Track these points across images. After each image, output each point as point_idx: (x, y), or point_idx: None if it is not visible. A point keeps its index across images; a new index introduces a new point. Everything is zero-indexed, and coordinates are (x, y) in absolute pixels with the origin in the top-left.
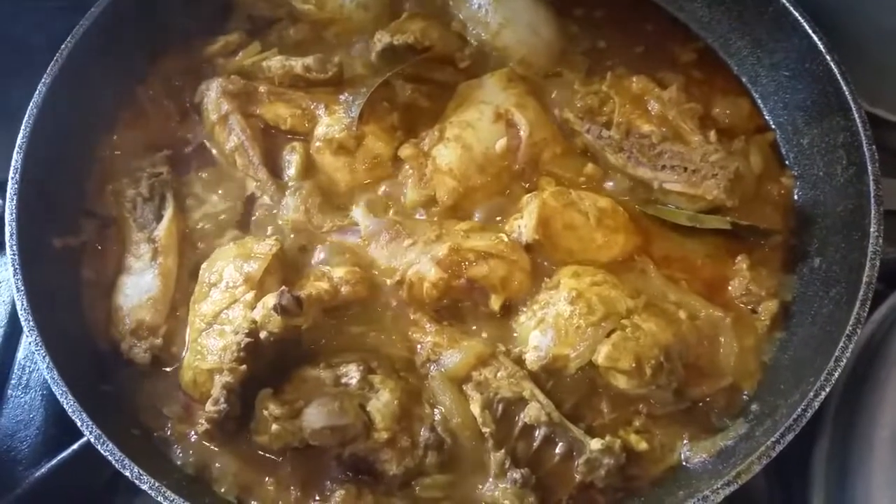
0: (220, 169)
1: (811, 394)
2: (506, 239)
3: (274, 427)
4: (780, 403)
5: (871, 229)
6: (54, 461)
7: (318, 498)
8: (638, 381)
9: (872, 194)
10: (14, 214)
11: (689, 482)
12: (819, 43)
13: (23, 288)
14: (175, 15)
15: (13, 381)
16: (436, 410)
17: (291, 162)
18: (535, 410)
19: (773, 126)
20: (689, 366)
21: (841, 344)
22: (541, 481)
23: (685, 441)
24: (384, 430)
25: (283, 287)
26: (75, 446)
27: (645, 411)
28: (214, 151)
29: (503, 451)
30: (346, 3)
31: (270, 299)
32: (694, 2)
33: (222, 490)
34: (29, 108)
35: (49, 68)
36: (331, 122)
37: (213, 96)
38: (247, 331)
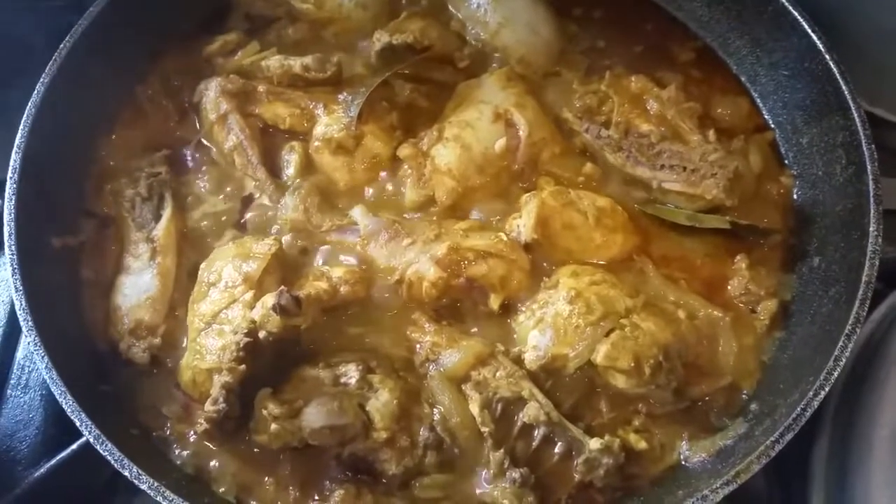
0: (219, 168)
1: (810, 393)
2: (505, 238)
3: (273, 427)
4: (779, 403)
5: (871, 228)
6: (53, 461)
7: (317, 497)
8: (637, 381)
9: (872, 193)
10: (13, 214)
11: (689, 481)
12: (818, 42)
13: (21, 288)
14: (174, 14)
15: (12, 381)
16: (435, 410)
17: (290, 161)
18: (534, 410)
19: (773, 125)
20: (689, 365)
21: (840, 343)
22: (540, 481)
23: (684, 440)
24: (383, 430)
25: (282, 287)
26: (74, 446)
27: (644, 411)
28: (213, 151)
29: (502, 450)
30: (345, 3)
31: (269, 299)
32: (693, 1)
33: (221, 490)
34: (28, 107)
35: (48, 68)
36: (329, 122)
37: (212, 96)
38: (246, 330)
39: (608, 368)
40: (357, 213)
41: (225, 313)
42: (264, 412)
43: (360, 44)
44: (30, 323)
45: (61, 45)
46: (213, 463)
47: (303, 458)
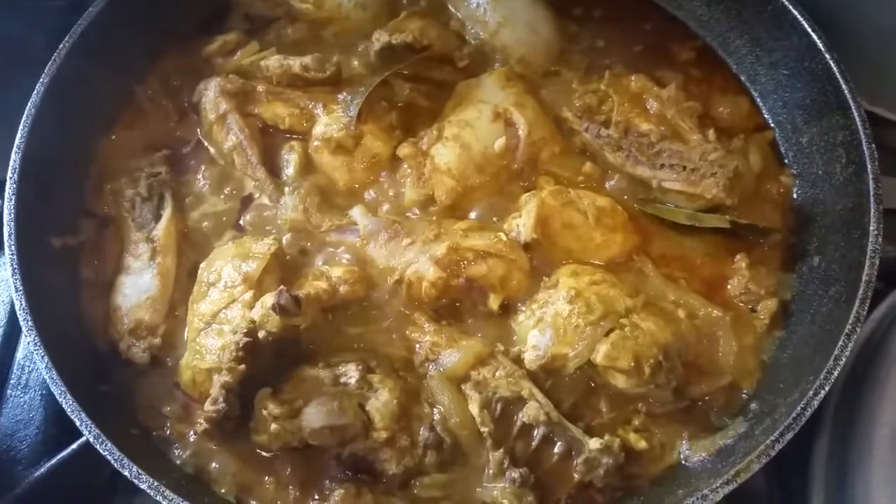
0: (219, 168)
1: (810, 392)
2: (504, 238)
3: (273, 426)
4: (779, 402)
5: (871, 228)
6: (54, 461)
7: (317, 497)
8: (637, 381)
9: (872, 193)
10: (13, 214)
11: (689, 481)
12: (818, 41)
13: (21, 288)
14: (173, 14)
15: (12, 381)
16: (435, 410)
17: (290, 161)
18: (534, 410)
19: (773, 125)
20: (689, 365)
21: (840, 342)
22: (539, 480)
23: (684, 440)
24: (383, 430)
25: (282, 286)
26: (74, 446)
27: (644, 410)
28: (213, 151)
29: (502, 450)
30: (345, 3)
31: (269, 299)
32: (693, 0)
33: (221, 490)
34: (27, 107)
35: (47, 68)
36: (329, 122)
37: (212, 96)
38: (245, 330)
39: (608, 368)
40: (356, 212)
41: (224, 313)
42: (264, 412)
43: (358, 43)
44: (30, 323)
45: (61, 45)
46: (212, 463)
47: (303, 457)
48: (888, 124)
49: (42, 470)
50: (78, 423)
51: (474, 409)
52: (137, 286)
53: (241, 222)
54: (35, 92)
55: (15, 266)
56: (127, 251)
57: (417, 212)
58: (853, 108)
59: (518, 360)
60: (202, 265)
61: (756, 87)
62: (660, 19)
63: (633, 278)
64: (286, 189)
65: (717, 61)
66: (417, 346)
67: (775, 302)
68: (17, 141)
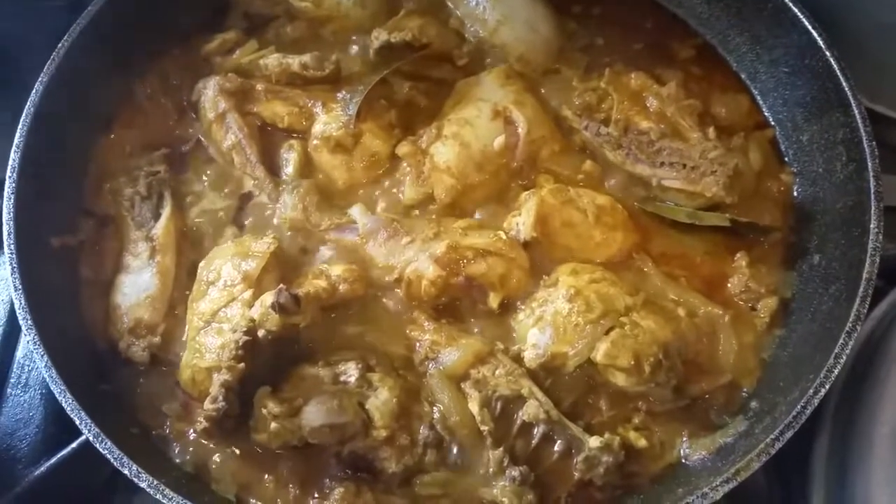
0: (218, 167)
1: (811, 391)
2: (504, 237)
3: (273, 425)
4: (779, 400)
5: (871, 226)
6: (53, 459)
7: (317, 496)
8: (637, 379)
9: (872, 191)
10: (12, 213)
11: (689, 479)
12: (818, 39)
13: (21, 287)
14: (172, 13)
15: (12, 380)
16: (434, 408)
17: (289, 160)
18: (534, 408)
19: (773, 122)
20: (689, 363)
21: (840, 341)
22: (539, 479)
23: (684, 438)
24: (383, 428)
25: (281, 285)
26: (74, 445)
27: (644, 409)
28: (212, 150)
29: (502, 448)
30: (343, 1)
31: (268, 297)
32: None
33: (221, 488)
34: (26, 106)
35: (46, 67)
36: (328, 120)
37: (211, 94)
38: (245, 329)
39: (608, 366)
40: (356, 211)
41: (224, 312)
42: (264, 411)
43: (352, 39)
44: (29, 322)
45: (60, 44)
46: (212, 461)
47: (302, 456)
48: (888, 122)
49: (42, 469)
50: (77, 422)
51: (474, 407)
52: (137, 285)
53: (240, 221)
54: (34, 91)
55: (14, 265)
56: (126, 250)
57: (417, 211)
58: (853, 105)
59: (518, 359)
60: (201, 264)
61: (756, 85)
62: (660, 17)
63: (632, 277)
64: (285, 188)
65: (717, 59)
66: (417, 344)
67: (775, 300)
68: (16, 140)
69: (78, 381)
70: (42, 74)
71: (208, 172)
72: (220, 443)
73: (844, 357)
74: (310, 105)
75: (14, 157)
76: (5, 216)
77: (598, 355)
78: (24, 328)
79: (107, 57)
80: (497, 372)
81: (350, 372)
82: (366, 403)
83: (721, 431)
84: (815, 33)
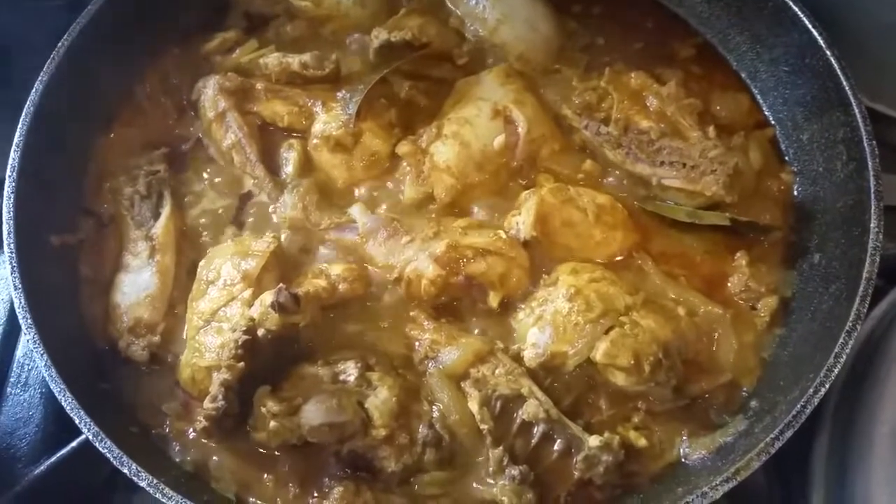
0: (218, 166)
1: (811, 390)
2: (504, 236)
3: (272, 424)
4: (779, 400)
5: (872, 225)
6: (53, 459)
7: (316, 495)
8: (636, 378)
9: (873, 190)
10: (12, 213)
11: (688, 479)
12: (819, 38)
13: (21, 286)
14: (172, 12)
15: (12, 379)
16: (434, 407)
17: (289, 159)
18: (534, 407)
19: (773, 122)
20: (688, 362)
21: (840, 340)
22: (539, 478)
23: (684, 438)
24: (382, 427)
25: (281, 284)
26: (74, 444)
27: (644, 408)
28: (211, 149)
29: (501, 447)
30: (343, 0)
31: (268, 297)
32: None
33: (221, 487)
34: (26, 105)
35: (46, 66)
36: (328, 120)
37: (210, 94)
38: (244, 328)
39: (608, 366)
40: (356, 210)
41: (224, 311)
42: (263, 410)
43: (348, 38)
44: (29, 321)
45: (60, 44)
46: (212, 460)
47: (302, 455)
48: (889, 121)
49: (42, 468)
50: (77, 421)
51: (474, 406)
52: (136, 284)
53: (239, 220)
54: (34, 90)
55: (14, 264)
56: (126, 249)
57: (417, 210)
58: (854, 104)
59: (517, 358)
60: (201, 263)
61: (756, 84)
62: (660, 16)
63: (632, 276)
64: (285, 187)
65: (717, 58)
66: (417, 343)
67: (775, 299)
68: (16, 139)
69: (77, 380)
70: (42, 73)
71: (208, 172)
72: (219, 442)
73: (844, 356)
74: (310, 104)
75: (14, 156)
76: (5, 215)
77: (598, 354)
78: (23, 327)
79: (107, 56)
80: (497, 371)
81: (349, 371)
82: (365, 402)
83: (721, 431)
84: (815, 32)
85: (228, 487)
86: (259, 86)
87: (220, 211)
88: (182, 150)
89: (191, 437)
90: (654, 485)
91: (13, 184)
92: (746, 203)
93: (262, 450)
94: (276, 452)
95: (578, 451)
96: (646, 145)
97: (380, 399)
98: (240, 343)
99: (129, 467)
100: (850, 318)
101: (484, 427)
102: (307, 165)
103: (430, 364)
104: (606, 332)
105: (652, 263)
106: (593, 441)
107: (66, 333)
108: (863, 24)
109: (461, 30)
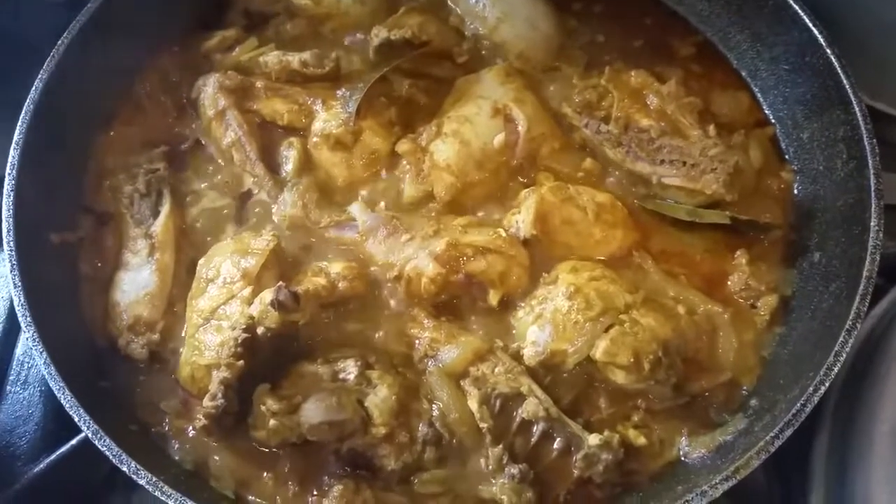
0: (218, 165)
1: (810, 389)
2: (504, 234)
3: (272, 422)
4: (779, 398)
5: (872, 223)
6: (53, 457)
7: (316, 493)
8: (636, 376)
9: (873, 188)
10: (11, 211)
11: (688, 477)
12: (819, 36)
13: (20, 284)
14: (172, 10)
15: (12, 377)
16: (434, 406)
17: (289, 157)
18: (533, 406)
19: (773, 120)
20: (688, 361)
21: (840, 339)
22: (539, 476)
23: (684, 436)
24: (382, 426)
25: (281, 283)
26: (73, 442)
27: (643, 406)
28: (211, 147)
29: (501, 446)
30: None
31: (267, 295)
32: None
33: (220, 485)
34: (26, 104)
35: (45, 64)
36: (328, 118)
37: (210, 92)
38: (244, 326)
39: (607, 364)
40: (355, 208)
41: (223, 309)
42: (263, 408)
43: (346, 38)
44: (28, 319)
45: (59, 42)
46: (211, 458)
47: (301, 453)
48: (889, 119)
49: (41, 466)
50: (76, 419)
51: (473, 405)
52: (136, 282)
53: (239, 218)
54: (34, 88)
55: (14, 262)
56: (125, 247)
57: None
58: (854, 103)
59: (517, 357)
60: (201, 261)
61: (756, 83)
62: (660, 14)
63: (632, 274)
64: (285, 185)
65: (717, 57)
66: (416, 342)
67: (775, 298)
68: (15, 137)
69: (77, 379)
70: (42, 71)
71: (208, 170)
72: (219, 440)
73: (844, 355)
74: (310, 102)
75: (14, 154)
76: (5, 213)
77: (598, 353)
78: (23, 325)
79: (106, 54)
80: (496, 369)
81: (349, 369)
82: (365, 401)
83: (721, 429)
84: (815, 30)
85: (228, 485)
86: (259, 84)
87: (220, 209)
88: (182, 149)
89: (190, 435)
90: (653, 483)
91: (13, 182)
92: (746, 201)
93: (261, 448)
94: (276, 451)
95: (578, 449)
96: (646, 144)
97: (379, 397)
98: (239, 341)
99: (128, 465)
100: (851, 317)
101: (483, 425)
102: (307, 164)
103: (429, 362)
104: (606, 331)
105: (652, 262)
106: (593, 439)
107: (65, 331)
108: (863, 22)
109: (461, 28)
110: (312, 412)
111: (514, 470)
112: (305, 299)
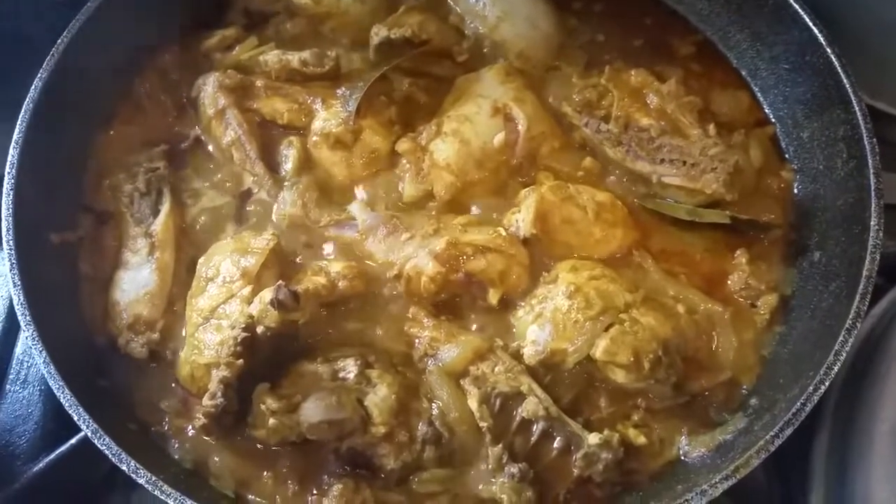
0: (218, 164)
1: (810, 388)
2: (504, 233)
3: (271, 421)
4: (779, 398)
5: (872, 223)
6: (52, 456)
7: (315, 492)
8: (636, 376)
9: (873, 188)
10: (11, 210)
11: (688, 476)
12: (819, 35)
13: (20, 283)
14: (172, 9)
15: (11, 377)
16: (433, 405)
17: (288, 156)
18: (533, 405)
19: (773, 119)
20: (688, 360)
21: (840, 338)
22: (539, 475)
23: (684, 435)
24: (381, 425)
25: (280, 282)
26: (73, 441)
27: (643, 405)
28: (211, 146)
29: (501, 445)
30: None
31: (267, 294)
32: None
33: (220, 484)
34: (25, 102)
35: (45, 63)
36: (328, 117)
37: (210, 91)
38: (243, 325)
39: (607, 363)
40: (355, 207)
41: (223, 308)
42: (262, 407)
43: (343, 38)
44: (28, 318)
45: (59, 41)
46: (211, 458)
47: (301, 452)
48: (889, 119)
49: (41, 465)
50: (76, 418)
51: (473, 404)
52: (136, 281)
53: (239, 217)
54: (33, 87)
55: (13, 261)
56: (125, 246)
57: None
58: (854, 102)
59: (517, 356)
60: (201, 260)
61: (757, 82)
62: (660, 14)
63: (632, 273)
64: (285, 184)
65: (717, 56)
66: (416, 341)
67: (775, 297)
68: (15, 136)
69: (76, 378)
70: (41, 70)
71: (208, 169)
72: (218, 439)
73: (844, 354)
74: (309, 101)
75: (13, 153)
76: (4, 212)
77: (598, 352)
78: (22, 324)
79: (106, 53)
80: (496, 368)
81: (349, 368)
82: (364, 400)
83: (720, 428)
84: (815, 30)
85: (227, 485)
86: (259, 83)
87: (220, 208)
88: (182, 148)
89: (190, 434)
90: (653, 482)
91: (12, 181)
92: (747, 201)
93: (261, 447)
94: (276, 450)
95: (578, 448)
96: (646, 143)
97: (379, 396)
98: (239, 340)
99: (127, 464)
100: (850, 316)
101: (483, 425)
102: (307, 163)
103: (429, 361)
104: (606, 330)
105: (652, 261)
106: (593, 439)
107: (65, 331)
108: (863, 21)
109: (461, 27)
110: (312, 411)
111: (513, 469)
112: (305, 298)
